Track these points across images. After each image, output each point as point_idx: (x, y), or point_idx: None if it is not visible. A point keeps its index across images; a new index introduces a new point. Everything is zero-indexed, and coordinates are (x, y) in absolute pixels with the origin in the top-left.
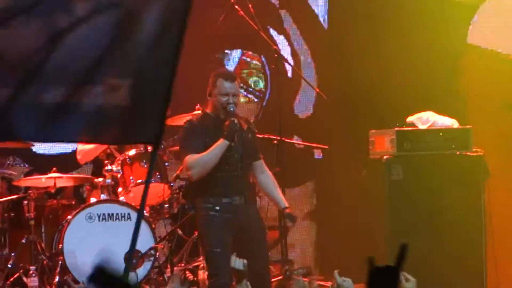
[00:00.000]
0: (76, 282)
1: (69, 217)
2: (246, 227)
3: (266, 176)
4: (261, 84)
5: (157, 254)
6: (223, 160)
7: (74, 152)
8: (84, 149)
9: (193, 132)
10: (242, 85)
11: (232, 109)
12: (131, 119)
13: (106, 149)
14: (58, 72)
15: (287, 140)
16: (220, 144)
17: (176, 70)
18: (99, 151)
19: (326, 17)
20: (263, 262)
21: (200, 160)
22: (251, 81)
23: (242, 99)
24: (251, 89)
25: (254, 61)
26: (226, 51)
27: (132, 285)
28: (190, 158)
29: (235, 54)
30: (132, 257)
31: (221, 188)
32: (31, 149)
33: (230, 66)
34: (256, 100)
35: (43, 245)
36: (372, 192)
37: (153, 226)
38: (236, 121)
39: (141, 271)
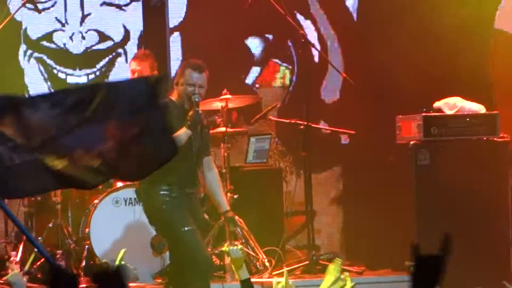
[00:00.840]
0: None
1: (95, 201)
2: (194, 218)
3: (212, 174)
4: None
5: None
6: (183, 151)
7: None
8: None
9: None
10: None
11: (197, 99)
12: None
13: None
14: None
15: (313, 125)
16: (183, 133)
17: None
18: None
19: (352, 2)
20: None
21: None
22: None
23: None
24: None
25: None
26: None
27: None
28: None
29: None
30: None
31: (179, 179)
32: None
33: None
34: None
35: (69, 229)
36: (399, 177)
37: None
38: (200, 111)
39: (167, 256)
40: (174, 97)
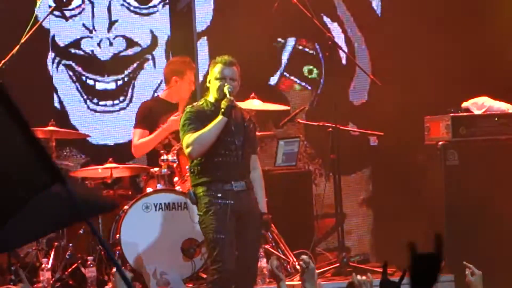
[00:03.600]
0: (133, 271)
1: (126, 207)
2: (245, 214)
3: (256, 173)
4: (315, 73)
5: None
6: (223, 146)
7: (130, 142)
8: (141, 144)
9: (193, 116)
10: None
11: (230, 90)
12: None
13: (163, 139)
14: None
15: (342, 128)
16: (217, 120)
17: None
18: (156, 143)
19: (379, 4)
20: (253, 253)
21: (198, 137)
22: (305, 69)
23: (296, 87)
24: (303, 78)
25: (307, 50)
26: (280, 39)
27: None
28: (188, 137)
29: (290, 43)
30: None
31: (222, 174)
32: (88, 140)
33: (284, 54)
34: (309, 88)
35: (100, 235)
36: (428, 178)
37: None
38: (232, 98)
39: (198, 260)
40: (208, 96)
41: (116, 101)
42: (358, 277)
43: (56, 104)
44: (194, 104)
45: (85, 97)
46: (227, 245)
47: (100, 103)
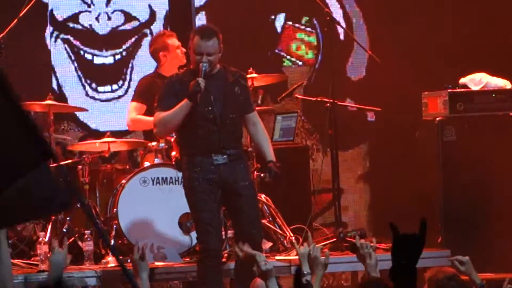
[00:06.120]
0: (130, 245)
1: (123, 181)
2: (231, 185)
3: (257, 128)
4: (311, 54)
5: None
6: (201, 116)
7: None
8: (139, 119)
9: (169, 90)
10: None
11: (204, 68)
12: None
13: None
14: None
15: (339, 103)
16: (183, 104)
17: None
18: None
19: None
20: (252, 220)
21: (163, 119)
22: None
23: (288, 63)
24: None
25: (298, 25)
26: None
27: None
28: (156, 116)
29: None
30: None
31: (201, 146)
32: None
33: (278, 29)
34: (300, 63)
35: (97, 209)
36: (425, 153)
37: None
38: (201, 81)
39: (195, 234)
40: (192, 65)
41: (115, 86)
42: (362, 240)
43: (55, 87)
44: (173, 75)
45: (83, 81)
46: (208, 223)
47: (99, 89)
